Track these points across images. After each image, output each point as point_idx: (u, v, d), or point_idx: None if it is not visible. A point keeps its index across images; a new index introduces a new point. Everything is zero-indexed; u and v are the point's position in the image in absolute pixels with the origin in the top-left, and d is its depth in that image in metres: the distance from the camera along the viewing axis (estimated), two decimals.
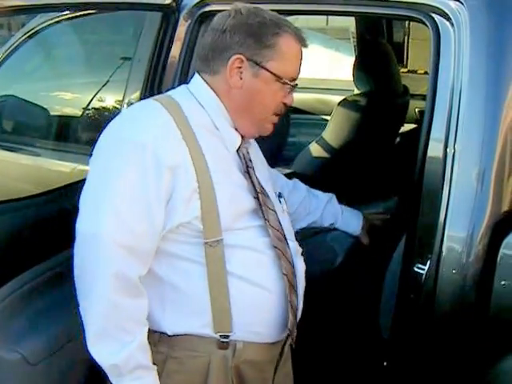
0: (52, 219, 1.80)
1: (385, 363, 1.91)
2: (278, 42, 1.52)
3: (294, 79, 1.58)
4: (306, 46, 1.58)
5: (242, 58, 1.51)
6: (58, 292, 1.70)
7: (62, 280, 1.71)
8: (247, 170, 1.60)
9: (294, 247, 1.65)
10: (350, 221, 2.07)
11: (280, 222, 1.62)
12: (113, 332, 1.44)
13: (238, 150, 1.61)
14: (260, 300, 1.56)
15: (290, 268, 1.59)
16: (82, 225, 1.45)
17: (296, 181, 2.04)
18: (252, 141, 1.69)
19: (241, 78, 1.53)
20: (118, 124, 1.53)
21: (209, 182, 1.48)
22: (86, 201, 1.47)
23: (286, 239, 1.61)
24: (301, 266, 1.65)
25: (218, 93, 1.56)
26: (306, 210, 2.00)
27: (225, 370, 1.55)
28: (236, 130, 1.59)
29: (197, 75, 1.60)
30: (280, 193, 1.75)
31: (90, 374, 1.69)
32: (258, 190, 1.59)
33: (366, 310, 2.18)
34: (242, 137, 1.61)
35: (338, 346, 2.48)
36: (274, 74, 1.53)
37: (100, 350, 1.45)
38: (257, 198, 1.58)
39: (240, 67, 1.52)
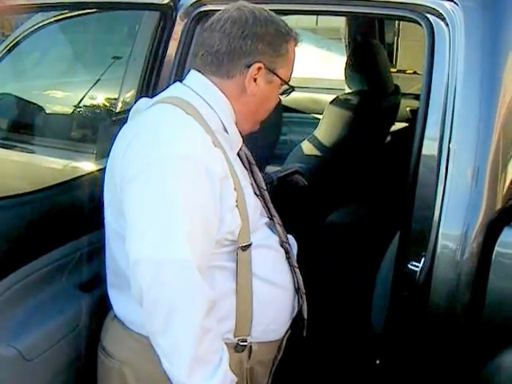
0: (47, 216, 1.79)
1: (377, 361, 1.91)
2: (288, 49, 1.54)
3: (289, 80, 1.60)
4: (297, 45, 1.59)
5: (261, 65, 1.50)
6: (54, 288, 1.71)
7: (58, 276, 1.73)
8: (250, 168, 1.62)
9: (292, 242, 1.69)
10: None
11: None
12: (206, 356, 1.40)
13: (238, 152, 1.61)
14: (277, 298, 1.59)
15: (295, 262, 1.64)
16: (155, 251, 1.36)
17: None
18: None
19: (256, 85, 1.52)
20: (159, 136, 1.43)
21: (240, 187, 1.48)
22: (144, 223, 1.38)
23: (286, 234, 1.65)
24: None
25: (228, 96, 1.53)
26: None
27: (240, 373, 1.56)
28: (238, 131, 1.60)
29: (197, 74, 1.55)
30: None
31: (86, 369, 1.71)
32: (260, 188, 1.62)
33: (358, 308, 2.20)
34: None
35: (331, 344, 2.50)
36: (283, 80, 1.56)
37: (197, 379, 1.39)
38: (261, 195, 1.61)
39: (256, 74, 1.51)
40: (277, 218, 1.63)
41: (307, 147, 3.06)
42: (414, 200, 1.76)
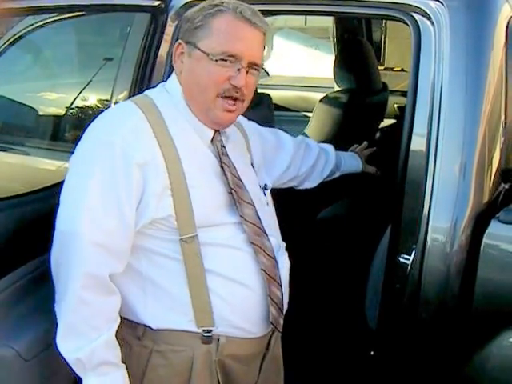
0: (42, 217, 1.80)
1: (372, 353, 1.93)
2: (211, 21, 1.51)
3: (233, 56, 1.51)
4: (253, 23, 1.52)
5: (181, 42, 1.55)
6: (51, 287, 1.68)
7: None
8: (221, 165, 1.59)
9: (276, 242, 1.64)
10: (352, 162, 2.25)
11: (259, 216, 1.61)
12: (80, 328, 1.46)
13: (212, 143, 1.61)
14: (240, 296, 1.56)
15: (270, 262, 1.58)
16: (59, 223, 1.48)
17: (305, 139, 2.17)
18: (231, 135, 1.68)
19: (181, 62, 1.57)
20: (94, 126, 1.55)
21: (181, 178, 1.49)
22: (63, 200, 1.49)
23: (265, 233, 1.60)
24: (284, 261, 1.65)
25: (180, 83, 1.59)
26: (322, 162, 2.13)
27: (209, 364, 1.56)
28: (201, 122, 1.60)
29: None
30: (266, 184, 1.75)
31: None
32: (232, 184, 1.58)
33: (352, 302, 2.21)
34: (216, 129, 1.61)
35: (325, 336, 2.52)
36: (203, 51, 1.51)
37: (66, 345, 1.47)
38: (230, 193, 1.58)
39: (182, 52, 1.55)
40: (248, 216, 1.58)
41: None
42: (404, 194, 1.79)
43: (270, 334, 1.66)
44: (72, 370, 1.50)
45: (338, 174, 2.20)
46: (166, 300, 1.54)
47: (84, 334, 1.46)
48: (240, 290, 1.56)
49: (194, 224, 1.50)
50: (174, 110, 1.57)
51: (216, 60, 1.50)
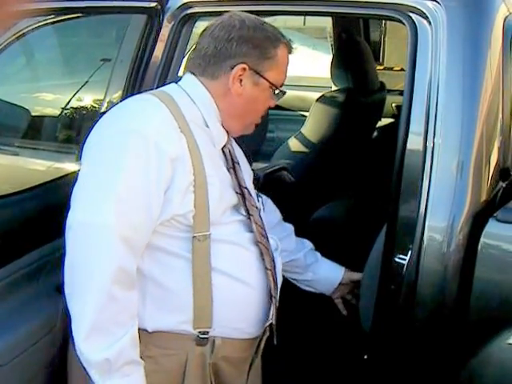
0: (25, 218, 1.79)
1: (365, 356, 1.91)
2: (277, 53, 1.58)
3: (282, 85, 1.64)
4: (292, 53, 1.64)
5: (246, 67, 1.56)
6: (29, 291, 1.69)
7: (33, 279, 1.72)
8: (233, 166, 1.63)
9: (274, 244, 1.68)
10: (331, 270, 2.01)
11: (261, 218, 1.65)
12: (107, 325, 1.42)
13: (223, 148, 1.64)
14: (242, 296, 1.57)
15: (272, 263, 1.61)
16: (83, 214, 1.43)
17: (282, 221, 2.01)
18: (233, 144, 1.72)
19: (241, 85, 1.57)
20: (118, 116, 1.54)
21: (203, 175, 1.50)
22: (84, 189, 1.46)
23: (267, 235, 1.64)
24: (279, 262, 1.68)
25: (213, 95, 1.59)
26: (288, 248, 1.94)
27: (203, 367, 1.56)
28: (223, 127, 1.62)
29: (191, 75, 1.62)
30: (258, 193, 1.77)
31: (60, 373, 1.67)
32: (241, 186, 1.62)
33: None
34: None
35: (319, 338, 2.51)
36: (272, 83, 1.59)
37: (91, 345, 1.41)
38: (241, 194, 1.61)
39: (241, 75, 1.56)
40: (255, 217, 1.62)
41: (294, 144, 3.08)
42: (400, 194, 1.78)
43: (260, 338, 1.66)
44: (88, 374, 1.44)
45: (310, 276, 1.96)
46: (167, 301, 1.52)
47: (111, 332, 1.42)
48: (243, 289, 1.57)
49: (209, 223, 1.51)
50: (195, 112, 1.58)
51: (276, 92, 1.61)
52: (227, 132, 1.64)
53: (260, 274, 1.59)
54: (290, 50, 1.63)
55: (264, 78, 1.58)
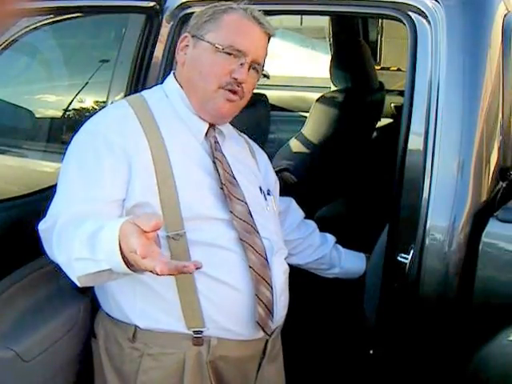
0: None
1: (371, 351, 1.92)
2: (221, 16, 1.59)
3: (239, 50, 1.56)
4: (260, 23, 1.60)
5: (187, 34, 1.60)
6: (50, 288, 1.71)
7: (54, 277, 1.70)
8: (213, 160, 1.60)
9: (270, 245, 1.62)
10: (355, 260, 2.06)
11: (251, 215, 1.60)
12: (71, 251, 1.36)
13: (206, 138, 1.62)
14: (227, 298, 1.54)
15: (260, 261, 1.56)
16: (50, 212, 1.49)
17: (304, 219, 2.02)
18: (229, 135, 1.71)
19: (185, 53, 1.61)
20: (85, 122, 1.60)
21: (168, 172, 1.50)
22: (57, 188, 1.53)
23: (257, 232, 1.59)
24: (279, 264, 1.64)
25: (179, 80, 1.64)
26: (314, 244, 1.99)
27: (200, 366, 1.56)
28: (200, 117, 1.62)
29: (171, 73, 1.70)
30: (269, 190, 1.75)
31: (84, 369, 1.72)
32: (224, 180, 1.58)
33: (351, 301, 2.21)
34: (212, 125, 1.63)
35: (324, 335, 2.52)
36: (209, 42, 1.57)
37: (80, 270, 1.34)
38: (222, 188, 1.58)
39: (187, 46, 1.61)
40: (238, 213, 1.57)
41: (295, 145, 3.08)
42: (402, 193, 1.78)
43: (265, 338, 1.63)
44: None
45: (337, 271, 2.04)
46: (155, 300, 1.53)
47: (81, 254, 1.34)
48: (228, 292, 1.54)
49: (182, 220, 1.49)
50: (167, 107, 1.61)
51: (222, 50, 1.55)
52: (205, 119, 1.63)
53: (246, 275, 1.55)
54: (250, 18, 1.59)
55: (203, 40, 1.58)
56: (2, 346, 1.52)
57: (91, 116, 1.61)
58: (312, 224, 2.02)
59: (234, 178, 1.62)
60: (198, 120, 1.61)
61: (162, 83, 1.74)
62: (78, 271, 1.34)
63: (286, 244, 1.78)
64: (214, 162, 1.59)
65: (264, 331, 1.58)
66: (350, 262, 2.04)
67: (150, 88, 1.78)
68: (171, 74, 1.69)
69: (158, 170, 1.50)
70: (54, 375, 1.68)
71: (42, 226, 1.48)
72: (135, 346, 1.56)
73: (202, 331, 1.53)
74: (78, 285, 1.37)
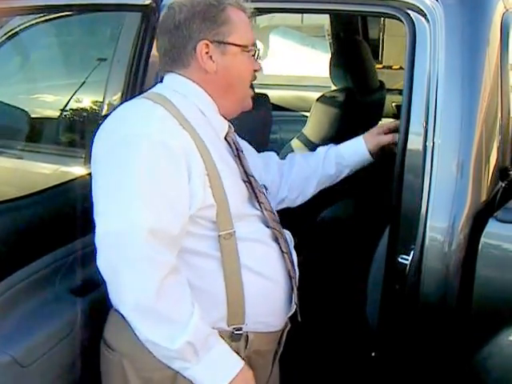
0: (38, 221, 1.79)
1: (373, 354, 1.94)
2: (228, 15, 1.57)
3: (254, 44, 1.63)
4: (248, 12, 1.62)
5: (206, 42, 1.56)
6: (48, 293, 1.71)
7: (52, 281, 1.73)
8: (238, 154, 1.64)
9: (287, 236, 1.69)
10: (354, 150, 2.02)
11: (270, 205, 1.67)
12: (167, 313, 1.42)
13: (226, 137, 1.64)
14: (269, 291, 1.60)
15: (288, 250, 1.64)
16: (113, 225, 1.42)
17: (290, 155, 2.04)
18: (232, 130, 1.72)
19: (213, 61, 1.57)
20: (116, 123, 1.53)
21: (215, 169, 1.50)
22: (109, 202, 1.45)
23: (279, 222, 1.66)
24: (294, 254, 1.69)
25: (197, 82, 1.60)
26: (308, 170, 1.97)
27: None
28: (222, 116, 1.63)
29: (170, 74, 1.63)
30: (264, 186, 1.77)
31: (82, 373, 1.71)
32: (249, 173, 1.64)
33: (353, 303, 2.21)
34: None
35: (327, 337, 2.52)
36: (239, 45, 1.58)
37: (160, 338, 1.41)
38: (248, 181, 1.62)
39: (207, 52, 1.56)
40: (265, 205, 1.63)
41: (297, 145, 3.07)
42: (402, 195, 1.78)
43: (282, 330, 1.69)
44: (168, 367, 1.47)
45: (342, 168, 2.00)
46: (200, 300, 1.51)
47: (175, 318, 1.42)
48: (269, 285, 1.59)
49: (231, 219, 1.52)
50: (192, 107, 1.58)
51: (248, 50, 1.60)
52: (226, 117, 1.65)
53: (282, 269, 1.62)
54: (243, 9, 1.61)
55: (229, 44, 1.57)
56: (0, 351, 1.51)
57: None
58: (294, 157, 2.00)
59: (251, 172, 1.67)
60: (221, 119, 1.63)
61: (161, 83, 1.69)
62: (173, 340, 1.41)
63: (291, 191, 1.91)
64: (238, 157, 1.64)
65: (297, 319, 1.66)
66: (350, 155, 2.00)
67: (150, 88, 1.75)
68: (176, 75, 1.61)
69: (208, 170, 1.49)
70: (53, 380, 1.67)
71: (112, 227, 1.42)
72: None
73: (241, 328, 1.56)
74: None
